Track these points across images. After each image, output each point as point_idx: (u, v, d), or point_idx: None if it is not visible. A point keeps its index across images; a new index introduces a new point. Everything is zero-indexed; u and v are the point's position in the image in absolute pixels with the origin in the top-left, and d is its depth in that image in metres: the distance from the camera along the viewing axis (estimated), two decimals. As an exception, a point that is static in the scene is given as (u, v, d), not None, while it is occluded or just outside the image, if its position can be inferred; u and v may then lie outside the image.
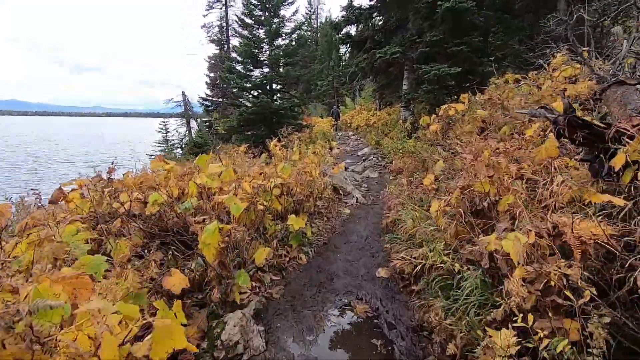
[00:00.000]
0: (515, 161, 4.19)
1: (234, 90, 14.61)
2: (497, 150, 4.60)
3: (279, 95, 15.19)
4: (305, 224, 4.48)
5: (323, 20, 48.70)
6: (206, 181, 3.26)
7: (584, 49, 5.55)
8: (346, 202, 6.45)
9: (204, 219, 2.94)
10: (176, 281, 2.39)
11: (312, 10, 50.97)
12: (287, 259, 4.14)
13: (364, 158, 11.83)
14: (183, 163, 7.86)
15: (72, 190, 3.65)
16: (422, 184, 5.35)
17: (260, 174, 4.86)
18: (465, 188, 3.30)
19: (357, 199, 6.61)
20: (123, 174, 4.87)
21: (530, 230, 2.19)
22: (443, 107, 6.36)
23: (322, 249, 4.68)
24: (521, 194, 3.08)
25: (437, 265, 3.06)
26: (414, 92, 10.02)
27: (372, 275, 3.94)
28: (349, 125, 22.31)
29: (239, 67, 14.33)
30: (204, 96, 24.51)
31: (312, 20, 51.20)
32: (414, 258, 3.40)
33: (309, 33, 49.59)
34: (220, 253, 2.94)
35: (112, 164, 4.36)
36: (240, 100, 14.71)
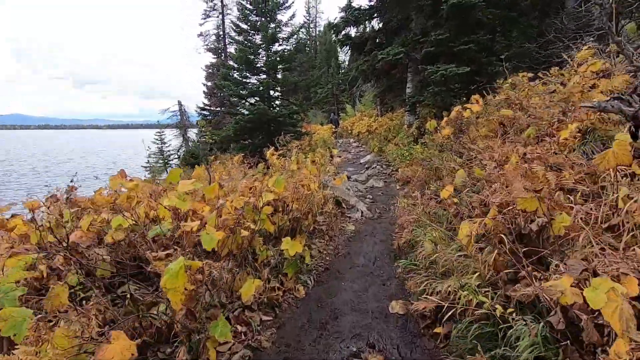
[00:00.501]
0: (553, 169, 3.51)
1: (231, 98, 14.00)
2: (527, 156, 3.92)
3: (277, 102, 14.60)
4: (304, 248, 3.78)
5: (321, 29, 48.67)
6: (175, 202, 2.57)
7: (617, 38, 4.89)
8: (350, 217, 5.74)
9: (168, 254, 2.24)
10: (117, 351, 1.68)
11: (311, 19, 50.91)
12: (282, 292, 3.42)
13: (366, 166, 11.15)
14: (153, 179, 7.18)
15: (13, 216, 2.96)
16: (438, 196, 4.65)
17: (250, 189, 4.17)
18: (503, 205, 2.59)
19: (362, 212, 5.90)
20: (94, 191, 4.20)
21: (625, 275, 1.49)
22: (456, 108, 5.68)
23: (323, 276, 3.96)
24: (578, 212, 2.38)
25: (471, 306, 2.34)
26: (418, 95, 9.37)
27: (385, 310, 3.22)
28: (349, 132, 21.68)
29: (235, 74, 13.74)
30: (202, 106, 24.02)
31: (310, 29, 51.13)
32: (439, 293, 2.69)
33: (308, 42, 49.53)
34: (190, 297, 2.24)
35: (72, 181, 3.68)
36: (237, 108, 14.10)
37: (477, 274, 2.59)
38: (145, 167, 17.79)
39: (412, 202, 4.78)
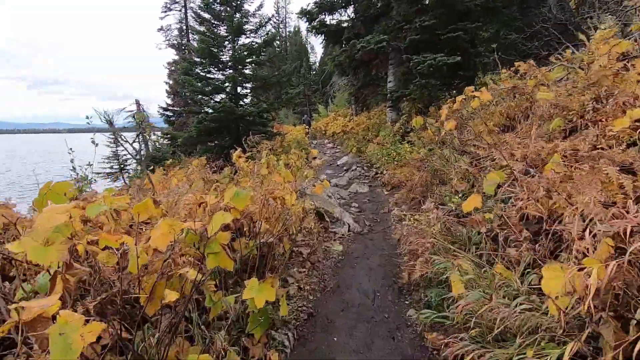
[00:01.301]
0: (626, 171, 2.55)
1: (193, 96, 12.52)
2: (570, 154, 2.95)
3: (246, 100, 13.27)
4: (278, 288, 2.59)
5: (291, 30, 47.62)
6: (30, 250, 1.32)
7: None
8: (335, 232, 4.60)
9: None
10: None
11: (280, 19, 49.69)
12: (245, 367, 2.22)
13: (345, 168, 10.07)
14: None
15: None
16: (448, 207, 3.61)
17: (200, 204, 2.93)
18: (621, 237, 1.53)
19: (348, 226, 4.78)
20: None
21: None
22: (459, 97, 4.69)
23: (306, 327, 2.78)
24: None
25: None
26: (402, 88, 8.41)
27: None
28: (323, 133, 20.64)
29: (198, 69, 12.27)
30: (165, 106, 22.13)
31: (280, 29, 49.99)
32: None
33: (278, 42, 48.28)
34: None
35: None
36: (202, 107, 12.63)
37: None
38: (97, 173, 15.79)
39: (418, 215, 3.70)
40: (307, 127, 21.41)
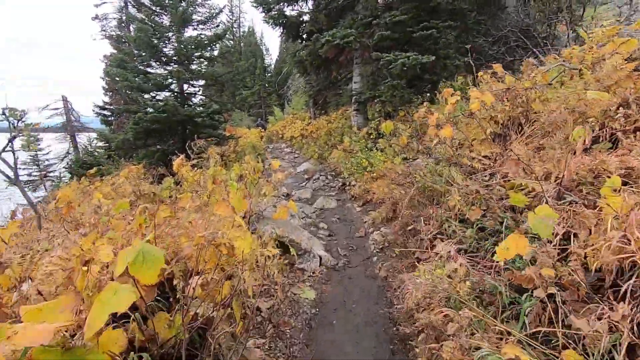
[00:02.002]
0: None
1: (128, 92, 10.75)
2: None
3: (195, 100, 11.74)
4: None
5: (245, 30, 45.91)
6: None
7: None
8: (303, 270, 3.51)
9: None
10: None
11: (234, 18, 47.73)
12: None
13: (307, 176, 9.03)
14: None
15: None
16: (463, 244, 2.71)
17: (86, 264, 1.71)
18: None
19: (320, 259, 3.72)
20: None
21: None
22: (452, 99, 3.85)
23: None
24: None
25: None
26: (370, 90, 7.56)
27: None
28: (280, 136, 19.46)
29: (136, 62, 10.54)
30: (101, 104, 19.59)
31: (234, 29, 48.05)
32: None
33: (232, 41, 46.38)
34: None
35: None
36: (141, 105, 10.89)
37: None
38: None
39: (427, 266, 2.73)
40: (262, 130, 20.11)
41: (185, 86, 11.74)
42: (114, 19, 19.85)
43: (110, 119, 19.30)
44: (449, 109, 3.77)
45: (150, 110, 9.71)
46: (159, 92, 10.92)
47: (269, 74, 43.38)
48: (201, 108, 10.10)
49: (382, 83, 7.18)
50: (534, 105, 4.17)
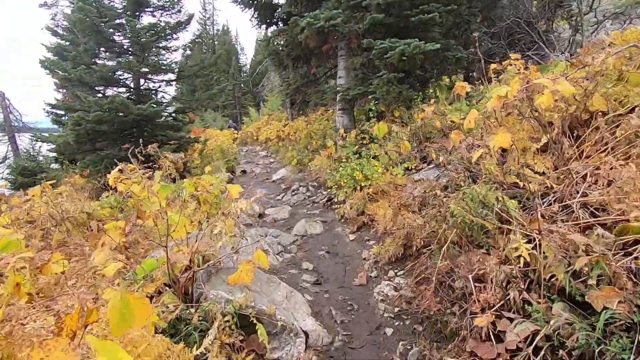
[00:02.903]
0: None
1: (66, 85, 8.97)
2: None
3: (156, 97, 10.07)
4: None
5: (219, 28, 43.94)
6: None
7: None
8: (280, 364, 2.16)
9: None
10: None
11: (207, 15, 45.52)
12: None
13: (284, 186, 7.63)
14: None
15: None
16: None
17: None
18: None
19: (305, 337, 2.37)
20: None
21: None
22: (498, 90, 2.60)
23: None
24: None
25: None
26: (359, 86, 6.27)
27: None
28: (255, 138, 17.92)
29: (79, 51, 8.75)
30: (54, 102, 17.31)
31: (207, 27, 45.95)
32: None
33: (205, 37, 44.36)
34: None
35: None
36: (84, 102, 9.11)
37: None
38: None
39: None
40: (235, 132, 18.50)
41: (143, 82, 10.08)
42: (67, 6, 17.60)
43: (62, 118, 17.08)
44: (494, 104, 2.50)
45: (95, 108, 8.00)
46: (109, 87, 9.20)
47: (244, 74, 41.59)
48: (157, 107, 8.47)
49: (374, 77, 5.91)
50: (595, 102, 3.01)
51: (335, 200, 5.27)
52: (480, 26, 7.94)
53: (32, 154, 12.84)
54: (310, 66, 9.43)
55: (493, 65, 4.60)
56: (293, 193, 6.83)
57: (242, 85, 37.86)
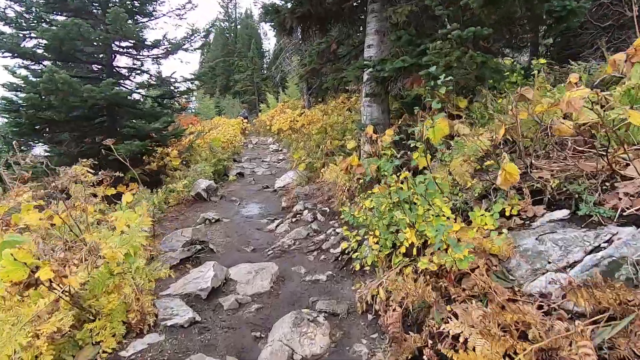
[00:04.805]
0: None
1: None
2: None
3: (136, 75, 7.87)
4: None
5: (242, 12, 41.70)
6: None
7: None
8: None
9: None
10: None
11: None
12: None
13: (284, 204, 5.25)
14: None
15: None
16: None
17: None
18: None
19: None
20: None
21: None
22: None
23: None
24: None
25: None
26: (403, 56, 3.72)
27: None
28: (268, 128, 15.57)
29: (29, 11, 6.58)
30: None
31: (229, 10, 43.91)
32: None
33: (227, 21, 42.43)
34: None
35: None
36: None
37: None
38: None
39: None
40: (245, 121, 16.26)
41: (124, 60, 7.87)
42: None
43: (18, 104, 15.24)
44: None
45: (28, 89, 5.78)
46: (65, 63, 7.02)
47: (267, 59, 39.22)
48: (121, 89, 6.20)
49: (429, 41, 3.35)
50: None
51: (355, 257, 2.83)
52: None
53: None
54: (330, 40, 6.86)
55: None
56: (292, 220, 4.45)
57: (263, 70, 35.57)
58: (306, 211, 4.59)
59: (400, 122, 4.12)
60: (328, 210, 4.40)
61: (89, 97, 5.64)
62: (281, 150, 11.62)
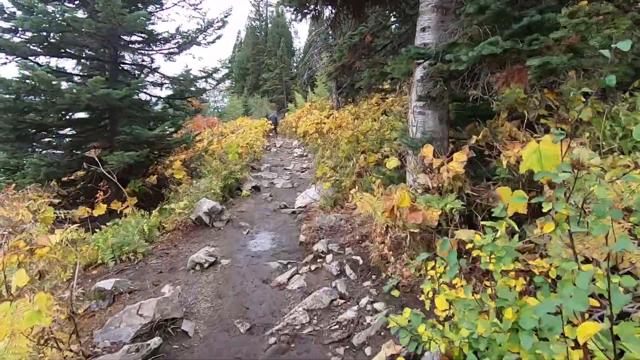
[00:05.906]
0: None
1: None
2: None
3: (137, 78, 6.94)
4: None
5: (273, 10, 41.08)
6: None
7: None
8: None
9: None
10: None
11: (261, -3, 42.95)
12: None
13: (303, 237, 4.03)
14: None
15: None
16: None
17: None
18: None
19: None
20: None
21: None
22: None
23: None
24: None
25: None
26: (476, 39, 2.34)
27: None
28: (294, 129, 14.42)
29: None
30: None
31: (260, 9, 43.52)
32: None
33: (258, 19, 42.06)
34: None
35: None
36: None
37: None
38: None
39: None
40: (272, 124, 15.22)
41: (127, 56, 6.98)
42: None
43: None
44: None
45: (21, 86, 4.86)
46: (60, 58, 6.14)
47: (297, 58, 38.27)
48: (114, 89, 5.18)
49: (541, 7, 1.94)
50: None
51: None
52: None
53: None
54: (365, 31, 5.53)
55: None
56: (311, 268, 3.19)
57: (294, 70, 34.56)
58: (330, 256, 3.32)
59: (462, 133, 2.74)
60: (361, 261, 3.09)
61: (75, 98, 4.67)
62: (306, 156, 10.41)
